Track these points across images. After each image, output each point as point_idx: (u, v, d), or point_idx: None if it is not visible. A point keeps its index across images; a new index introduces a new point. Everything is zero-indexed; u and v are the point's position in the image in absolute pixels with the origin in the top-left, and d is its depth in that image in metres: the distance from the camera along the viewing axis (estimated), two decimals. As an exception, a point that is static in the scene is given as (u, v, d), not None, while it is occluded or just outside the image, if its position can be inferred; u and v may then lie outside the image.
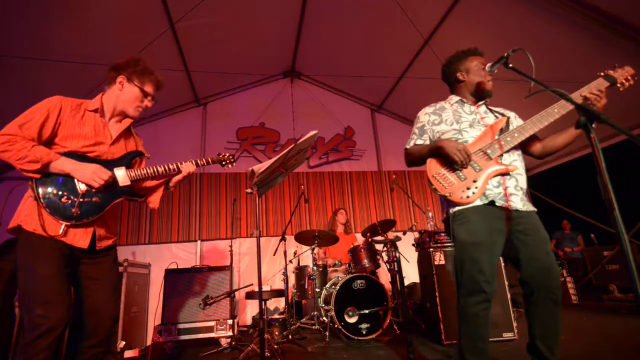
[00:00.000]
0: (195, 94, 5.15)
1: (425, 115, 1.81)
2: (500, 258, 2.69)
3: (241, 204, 5.01)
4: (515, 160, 1.64)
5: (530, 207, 1.62)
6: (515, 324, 2.72)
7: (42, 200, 1.39)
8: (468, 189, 1.58)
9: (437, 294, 2.81)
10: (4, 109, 3.47)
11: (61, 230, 1.39)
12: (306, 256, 4.15)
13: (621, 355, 2.28)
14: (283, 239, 3.76)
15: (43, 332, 1.28)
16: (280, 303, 4.40)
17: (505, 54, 1.44)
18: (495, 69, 1.57)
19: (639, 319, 3.26)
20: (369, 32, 4.37)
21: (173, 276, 3.32)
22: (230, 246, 3.96)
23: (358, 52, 4.75)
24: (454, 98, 1.82)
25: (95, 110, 1.59)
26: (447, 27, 3.87)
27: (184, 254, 4.69)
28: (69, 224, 1.42)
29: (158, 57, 3.97)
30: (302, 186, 5.05)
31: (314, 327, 3.46)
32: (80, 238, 1.46)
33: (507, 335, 2.70)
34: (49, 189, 1.42)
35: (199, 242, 4.76)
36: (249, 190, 2.11)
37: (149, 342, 3.27)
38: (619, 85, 1.57)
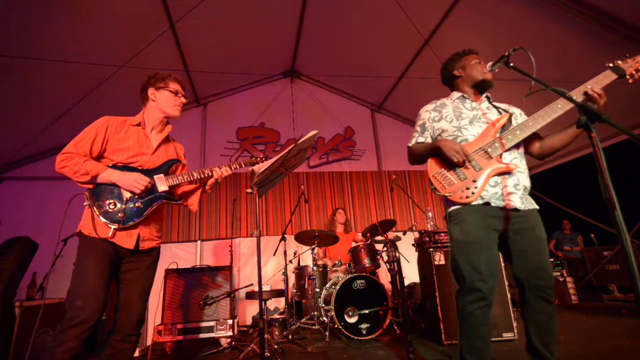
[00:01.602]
0: (195, 93, 5.15)
1: (426, 113, 1.80)
2: (501, 258, 2.71)
3: (241, 204, 5.01)
4: (516, 158, 1.61)
5: (531, 205, 1.59)
6: (515, 324, 2.72)
7: (94, 207, 1.60)
8: (468, 188, 1.57)
9: (437, 294, 2.81)
10: (4, 108, 3.48)
11: (110, 233, 1.58)
12: (306, 256, 4.14)
13: (621, 355, 2.28)
14: (283, 239, 3.76)
15: (77, 322, 1.42)
16: (280, 303, 4.40)
17: (506, 53, 1.44)
18: (496, 68, 1.57)
19: (639, 319, 3.26)
20: (369, 32, 4.36)
21: (173, 276, 3.31)
22: (230, 246, 3.96)
23: (358, 52, 4.74)
24: (455, 94, 1.81)
25: (138, 124, 1.78)
26: (447, 27, 3.86)
27: (184, 254, 4.69)
28: (117, 227, 1.60)
29: (158, 57, 3.97)
30: (302, 186, 5.05)
31: (314, 327, 3.46)
32: (126, 240, 1.63)
33: (507, 335, 2.70)
34: (100, 197, 1.62)
35: (199, 242, 4.76)
36: (249, 190, 2.11)
37: (149, 342, 3.26)
38: (628, 77, 1.48)
